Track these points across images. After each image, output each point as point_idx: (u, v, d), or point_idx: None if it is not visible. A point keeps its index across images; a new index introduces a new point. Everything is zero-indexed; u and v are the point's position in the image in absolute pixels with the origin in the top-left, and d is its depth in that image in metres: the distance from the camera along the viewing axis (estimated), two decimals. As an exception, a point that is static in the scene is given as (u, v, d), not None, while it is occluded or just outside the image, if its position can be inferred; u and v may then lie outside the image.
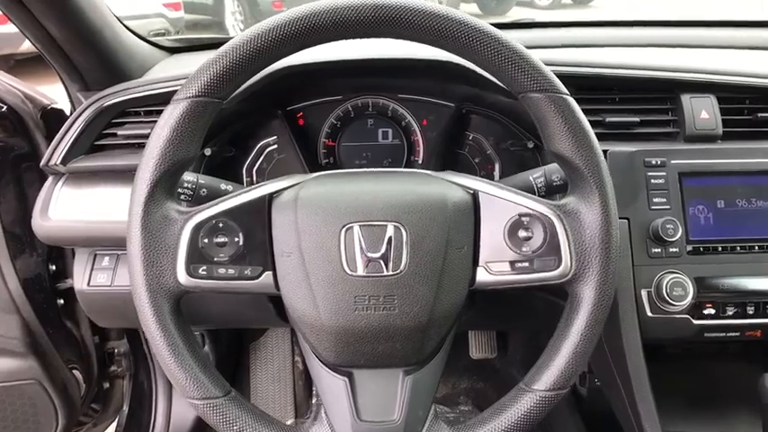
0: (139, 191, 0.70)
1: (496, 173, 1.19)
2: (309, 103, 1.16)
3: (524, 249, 0.73)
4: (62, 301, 1.32)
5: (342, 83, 1.14)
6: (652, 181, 0.96)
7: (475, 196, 0.75)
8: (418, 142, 1.17)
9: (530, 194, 0.75)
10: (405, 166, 1.19)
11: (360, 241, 0.71)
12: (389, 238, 0.71)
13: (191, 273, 0.72)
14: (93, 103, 1.02)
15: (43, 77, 1.29)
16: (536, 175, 0.87)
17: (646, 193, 0.96)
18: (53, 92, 1.28)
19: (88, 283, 1.03)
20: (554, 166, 0.87)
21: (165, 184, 0.72)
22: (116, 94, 1.03)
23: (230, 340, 1.77)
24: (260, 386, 1.83)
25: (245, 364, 1.85)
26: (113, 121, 1.06)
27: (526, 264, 0.73)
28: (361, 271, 0.70)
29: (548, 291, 0.98)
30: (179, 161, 0.71)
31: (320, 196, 0.74)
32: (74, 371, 1.39)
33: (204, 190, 0.87)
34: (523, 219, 0.73)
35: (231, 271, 0.73)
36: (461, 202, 0.74)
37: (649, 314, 0.94)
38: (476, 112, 1.15)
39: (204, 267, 0.72)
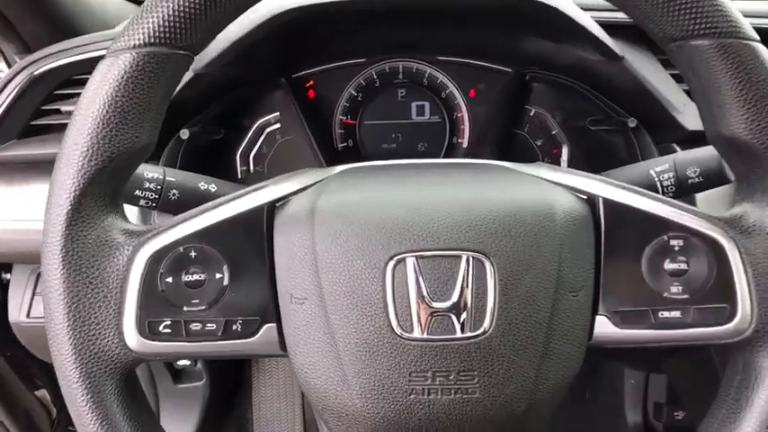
0: (57, 204, 0.44)
1: (564, 160, 0.93)
2: (322, 68, 0.92)
3: (674, 290, 0.47)
4: None
5: (364, 40, 0.88)
6: None
7: (593, 205, 0.48)
8: (463, 119, 0.94)
9: (678, 202, 0.48)
10: (445, 151, 0.94)
11: (418, 283, 0.44)
12: (465, 278, 0.44)
13: (146, 332, 0.46)
14: (26, 67, 0.74)
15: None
16: (660, 168, 0.59)
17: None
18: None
19: (27, 314, 0.76)
20: (687, 155, 0.60)
21: (102, 190, 0.45)
22: (58, 56, 0.75)
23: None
24: (264, 404, 1.59)
25: (247, 377, 1.61)
26: (57, 92, 0.78)
27: (677, 313, 0.47)
28: (419, 331, 0.44)
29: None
30: (122, 151, 0.44)
31: (351, 207, 0.46)
32: (40, 393, 1.18)
33: (175, 191, 0.60)
34: (674, 242, 0.47)
35: (211, 326, 0.46)
36: (575, 216, 0.47)
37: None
38: (542, 79, 0.88)
39: (168, 322, 0.46)
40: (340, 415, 0.46)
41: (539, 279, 0.45)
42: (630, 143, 0.80)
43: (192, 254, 0.47)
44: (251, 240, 0.48)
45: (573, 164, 0.91)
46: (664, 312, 0.47)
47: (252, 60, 0.80)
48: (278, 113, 0.90)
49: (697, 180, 0.59)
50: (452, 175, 0.52)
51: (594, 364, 1.28)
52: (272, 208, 0.49)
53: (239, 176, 0.90)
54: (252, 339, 0.47)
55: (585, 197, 0.49)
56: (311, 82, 0.92)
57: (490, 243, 0.45)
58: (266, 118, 0.91)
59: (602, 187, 0.49)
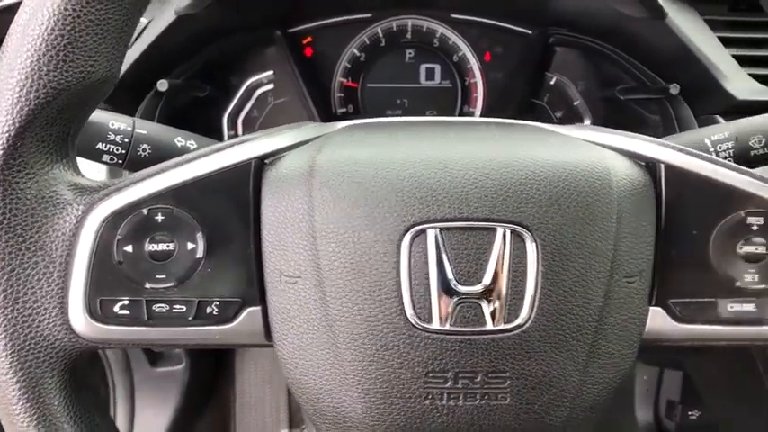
0: None
1: (586, 134, 0.84)
2: (321, 23, 0.83)
3: (749, 278, 0.38)
4: None
5: (369, -8, 0.78)
6: None
7: (653, 172, 0.39)
8: (476, 86, 0.85)
9: (759, 173, 0.39)
10: None
11: (440, 261, 0.35)
12: (500, 257, 0.35)
13: (98, 313, 0.37)
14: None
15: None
16: (718, 137, 0.51)
17: None
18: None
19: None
20: (749, 122, 0.51)
21: (46, 133, 0.36)
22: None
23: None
24: (247, 389, 1.51)
25: (230, 361, 1.53)
26: None
27: (751, 306, 0.38)
28: (439, 322, 0.35)
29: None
30: (72, 83, 0.35)
31: (359, 165, 0.37)
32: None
33: (146, 147, 0.50)
34: (752, 220, 0.38)
35: (180, 308, 0.38)
36: (635, 185, 0.39)
37: None
38: (567, 43, 0.79)
39: (125, 301, 0.37)
40: (336, 421, 0.37)
41: (591, 260, 0.36)
42: (667, 115, 0.71)
43: (159, 218, 0.38)
44: (233, 203, 0.39)
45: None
46: (734, 305, 0.39)
47: (244, 6, 0.70)
48: (271, 72, 0.81)
49: (762, 151, 0.50)
50: (480, 133, 0.43)
51: None
52: (261, 165, 0.39)
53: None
54: (230, 326, 0.39)
55: (645, 162, 0.40)
56: (309, 39, 0.83)
57: (532, 214, 0.36)
58: (258, 77, 0.82)
59: (665, 152, 0.40)
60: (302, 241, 0.37)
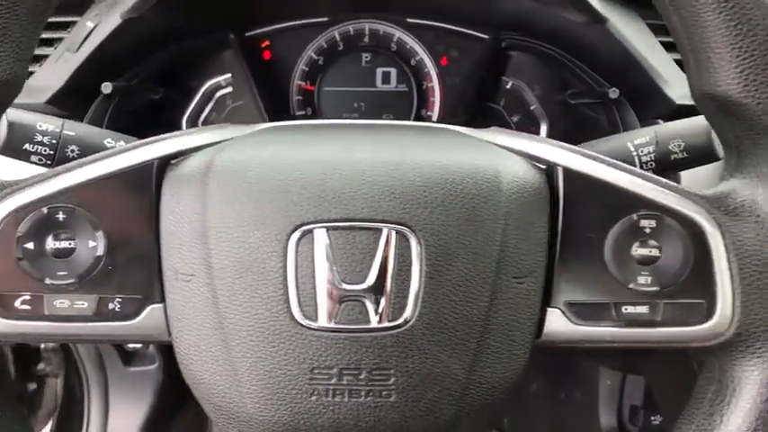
0: None
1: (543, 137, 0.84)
2: (279, 26, 0.83)
3: (642, 281, 0.39)
4: None
5: (326, -5, 0.79)
6: None
7: (550, 175, 0.40)
8: (433, 90, 0.85)
9: (658, 177, 0.40)
10: None
11: (327, 260, 0.36)
12: (385, 257, 0.36)
13: None
14: None
15: None
16: (640, 141, 0.51)
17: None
18: None
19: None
20: (671, 126, 0.51)
21: None
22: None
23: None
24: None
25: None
26: None
27: (644, 308, 0.39)
28: (325, 319, 0.36)
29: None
30: None
31: (254, 166, 0.38)
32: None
33: (74, 148, 0.51)
34: (645, 222, 0.39)
35: (81, 304, 0.38)
36: (526, 188, 0.39)
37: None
38: (521, 47, 0.79)
39: (26, 297, 0.38)
40: (230, 417, 0.38)
41: (476, 261, 0.37)
42: (613, 119, 0.72)
43: (61, 216, 0.39)
44: (135, 203, 0.39)
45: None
46: (628, 307, 0.39)
47: (193, 9, 0.71)
48: (229, 75, 0.82)
49: (681, 156, 0.50)
50: (389, 136, 0.43)
51: (570, 362, 1.21)
52: (165, 165, 0.40)
53: None
54: (132, 322, 0.39)
55: (545, 167, 0.41)
56: (267, 42, 0.83)
57: (417, 215, 0.36)
58: (216, 80, 0.82)
59: (564, 155, 0.41)
60: (195, 240, 0.37)
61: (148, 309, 0.39)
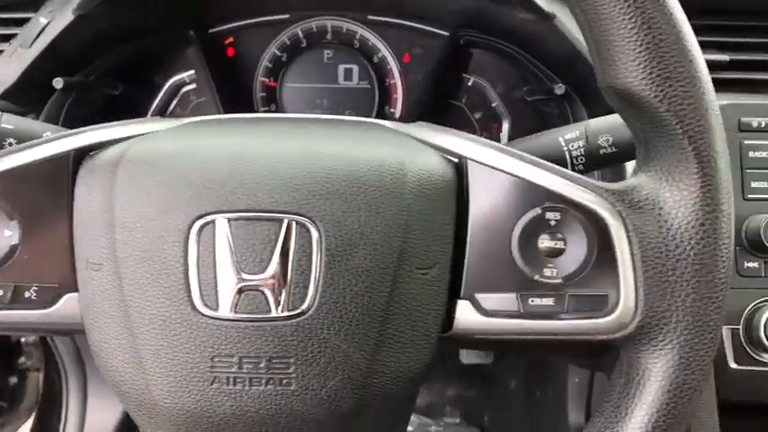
0: None
1: (504, 135, 0.85)
2: (242, 23, 0.84)
3: (548, 273, 0.39)
4: None
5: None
6: (750, 154, 0.61)
7: (461, 169, 0.40)
8: (395, 87, 0.86)
9: (565, 170, 0.40)
10: None
11: (228, 250, 0.36)
12: (284, 246, 0.36)
13: None
14: None
15: None
16: (570, 136, 0.51)
17: (739, 174, 0.62)
18: None
19: None
20: (602, 121, 0.52)
21: None
22: None
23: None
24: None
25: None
26: None
27: (550, 301, 0.39)
28: (226, 309, 0.36)
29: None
30: None
31: (161, 158, 0.39)
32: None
33: (12, 141, 0.52)
34: (550, 215, 0.39)
35: None
36: (434, 180, 0.39)
37: (733, 365, 0.60)
38: (479, 44, 0.80)
39: None
40: (139, 404, 0.39)
41: (376, 251, 0.37)
42: (564, 114, 0.72)
43: None
44: (51, 193, 0.40)
45: (514, 139, 0.83)
46: (535, 299, 0.39)
47: (148, 6, 0.72)
48: (193, 72, 0.82)
49: (610, 150, 0.50)
50: (305, 130, 0.44)
51: (544, 360, 1.21)
52: (82, 156, 0.41)
53: None
54: (49, 310, 0.40)
55: (456, 159, 0.41)
56: (230, 39, 0.84)
57: (318, 206, 0.37)
58: (181, 76, 0.83)
59: (474, 148, 0.41)
60: (104, 230, 0.38)
61: (65, 298, 0.40)
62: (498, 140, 0.83)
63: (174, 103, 0.84)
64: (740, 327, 0.60)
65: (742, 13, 0.69)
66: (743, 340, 0.60)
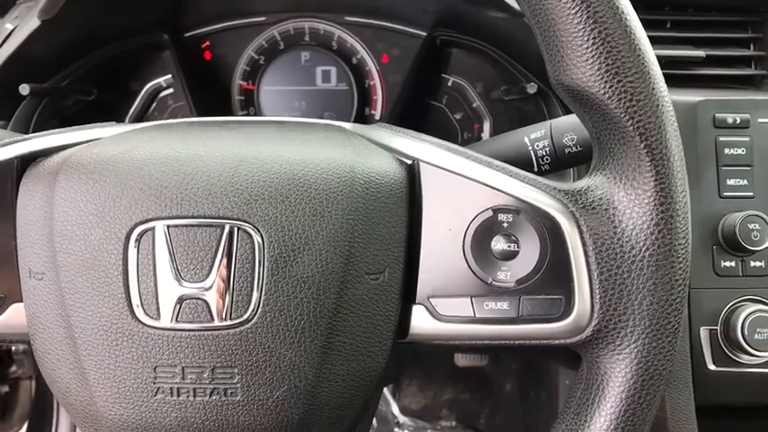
0: None
1: (486, 134, 0.84)
2: (219, 26, 0.83)
3: (502, 276, 0.38)
4: None
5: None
6: (726, 151, 0.59)
7: (413, 171, 0.39)
8: (375, 88, 0.85)
9: (518, 170, 0.39)
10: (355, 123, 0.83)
11: (168, 258, 0.35)
12: (227, 253, 0.35)
13: None
14: None
15: None
16: (535, 135, 0.51)
17: (715, 171, 0.60)
18: None
19: None
20: (567, 119, 0.51)
21: None
22: None
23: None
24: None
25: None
26: None
27: (504, 304, 0.38)
28: (167, 318, 0.36)
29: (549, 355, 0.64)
30: None
31: (102, 164, 0.38)
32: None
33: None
34: (503, 217, 0.38)
35: None
36: (385, 183, 0.39)
37: (711, 367, 0.59)
38: (456, 44, 0.79)
39: None
40: (84, 416, 0.38)
41: (322, 256, 0.36)
42: (541, 112, 0.71)
43: None
44: None
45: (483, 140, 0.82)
46: (489, 303, 0.38)
47: (117, 10, 0.71)
48: (170, 76, 0.81)
49: (575, 149, 0.49)
50: (255, 134, 0.43)
51: (538, 362, 1.20)
52: (27, 163, 0.40)
53: None
54: None
55: (408, 160, 0.40)
56: (207, 42, 0.84)
57: (260, 211, 0.36)
58: (157, 81, 0.82)
59: (426, 150, 0.40)
60: (44, 238, 0.37)
61: (11, 307, 0.39)
62: (480, 140, 0.82)
63: (152, 107, 0.84)
64: (718, 327, 0.58)
65: (717, 9, 0.68)
66: (721, 341, 0.58)
